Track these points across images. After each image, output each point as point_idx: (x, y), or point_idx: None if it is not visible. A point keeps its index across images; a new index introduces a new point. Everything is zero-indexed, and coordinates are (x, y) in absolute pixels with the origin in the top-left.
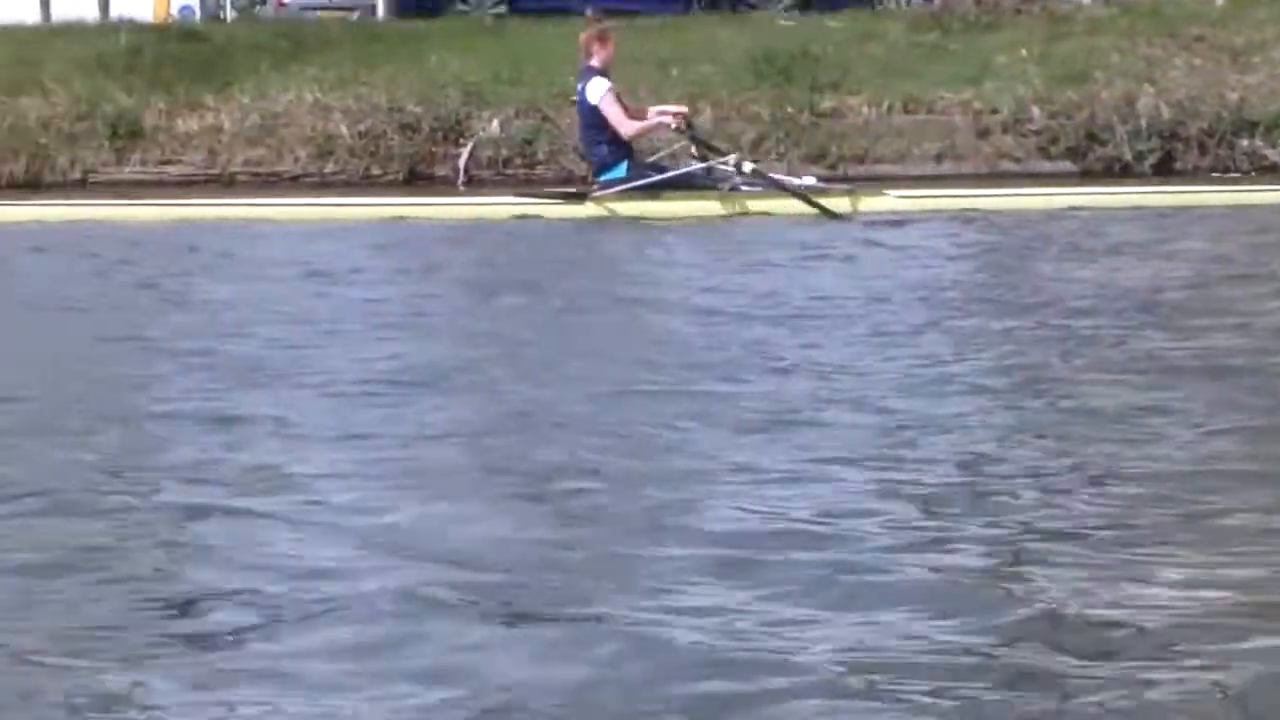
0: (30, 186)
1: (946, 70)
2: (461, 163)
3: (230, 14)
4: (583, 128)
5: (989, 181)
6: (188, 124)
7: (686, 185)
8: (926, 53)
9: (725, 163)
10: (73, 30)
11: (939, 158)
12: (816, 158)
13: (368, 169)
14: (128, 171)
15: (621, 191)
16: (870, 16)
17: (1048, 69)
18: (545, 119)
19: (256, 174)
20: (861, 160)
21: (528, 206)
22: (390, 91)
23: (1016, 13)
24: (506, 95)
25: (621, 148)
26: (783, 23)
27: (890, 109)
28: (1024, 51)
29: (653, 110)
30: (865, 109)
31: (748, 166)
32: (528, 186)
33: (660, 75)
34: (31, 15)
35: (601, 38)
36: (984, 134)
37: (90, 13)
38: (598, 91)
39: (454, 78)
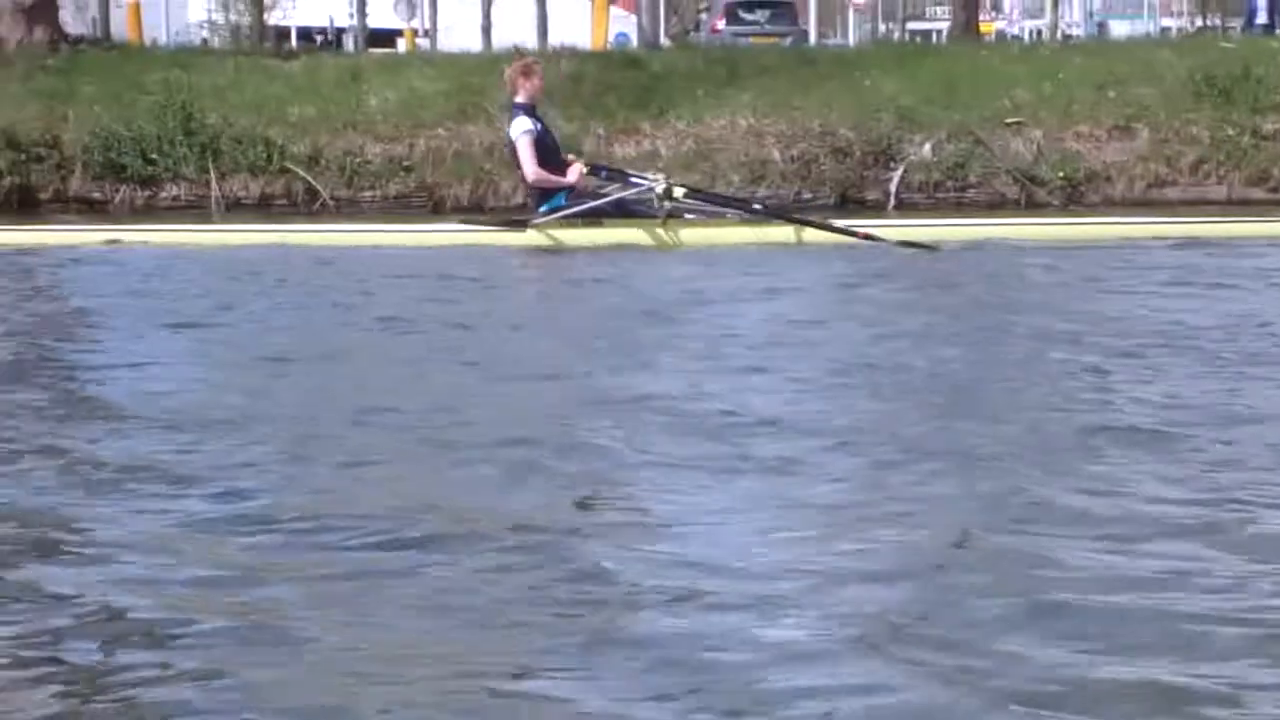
0: (475, 211)
1: None
2: (892, 186)
3: (664, 41)
4: (514, 164)
5: None
6: (624, 149)
7: (628, 212)
8: None
9: (655, 182)
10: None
11: None
12: (1258, 180)
13: (799, 193)
14: None
15: (563, 218)
16: None
17: None
18: (978, 142)
19: None
20: None
21: (469, 235)
22: (823, 115)
23: None
24: (939, 118)
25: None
26: (1223, 44)
27: None
28: None
29: (576, 167)
30: None
31: (679, 191)
32: (958, 210)
33: (1096, 96)
34: (474, 44)
35: (526, 71)
36: None
37: (530, 40)
38: (517, 129)
39: (887, 100)
